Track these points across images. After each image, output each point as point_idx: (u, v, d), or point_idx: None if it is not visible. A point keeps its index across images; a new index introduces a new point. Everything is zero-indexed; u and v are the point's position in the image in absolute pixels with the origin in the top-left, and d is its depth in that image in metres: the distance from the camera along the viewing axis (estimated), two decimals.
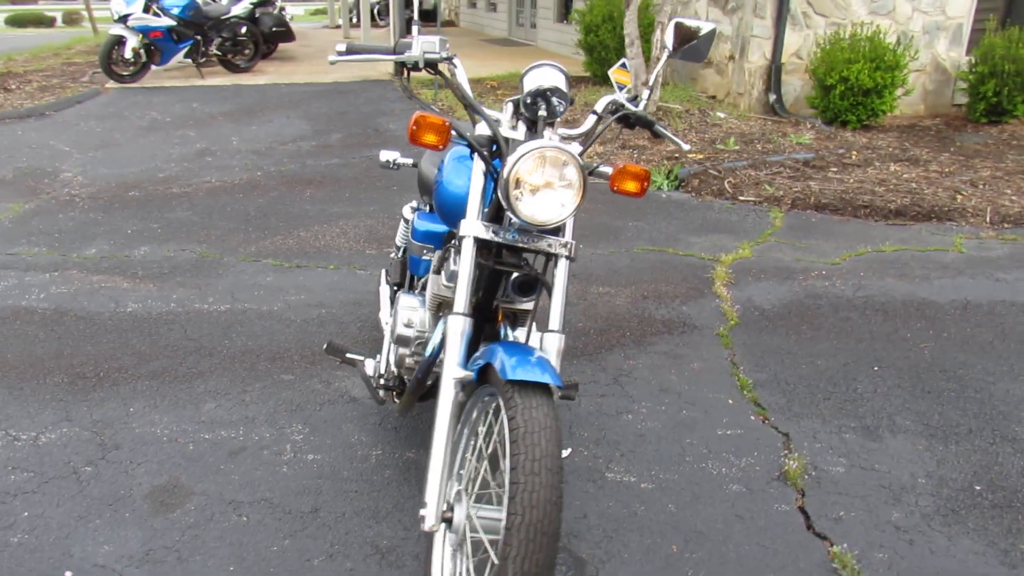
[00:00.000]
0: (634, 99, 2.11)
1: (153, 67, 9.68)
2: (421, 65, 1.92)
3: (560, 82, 1.85)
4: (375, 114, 7.96)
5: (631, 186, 1.92)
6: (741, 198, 5.43)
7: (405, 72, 1.99)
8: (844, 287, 3.91)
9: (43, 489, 2.28)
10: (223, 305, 3.56)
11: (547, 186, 1.71)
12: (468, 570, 1.70)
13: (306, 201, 5.23)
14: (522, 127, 1.85)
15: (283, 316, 3.46)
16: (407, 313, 2.24)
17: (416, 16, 7.72)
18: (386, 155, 2.87)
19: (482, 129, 1.87)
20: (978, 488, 2.39)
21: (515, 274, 1.92)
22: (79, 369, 2.96)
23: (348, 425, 2.64)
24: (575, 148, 1.82)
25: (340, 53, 1.96)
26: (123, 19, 9.13)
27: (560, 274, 1.83)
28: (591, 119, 2.02)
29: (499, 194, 1.72)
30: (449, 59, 1.93)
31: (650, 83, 2.18)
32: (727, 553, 2.10)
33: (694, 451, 2.55)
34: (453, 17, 21.15)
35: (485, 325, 2.05)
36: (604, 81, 8.82)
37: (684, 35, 2.13)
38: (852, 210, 5.15)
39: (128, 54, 9.25)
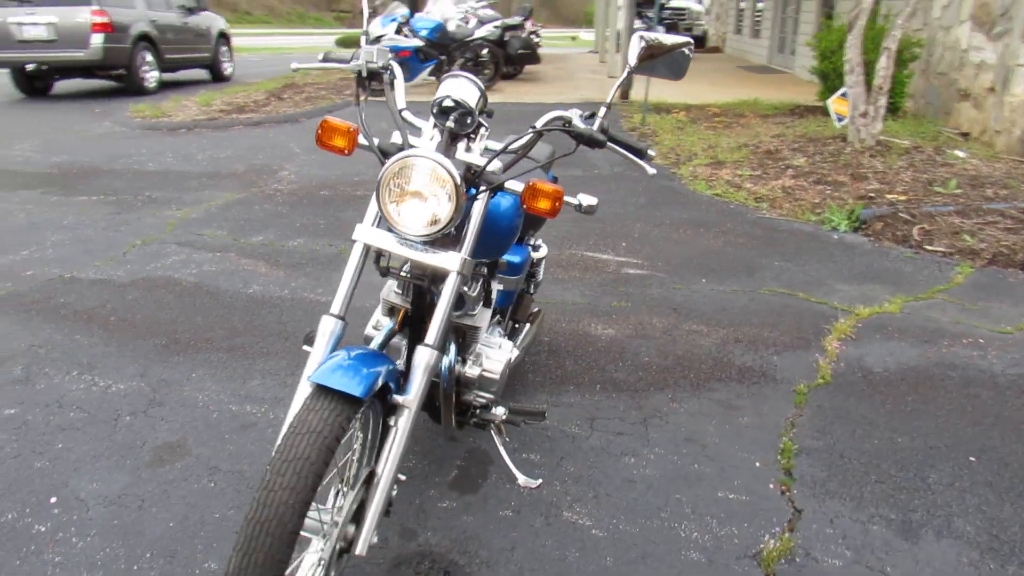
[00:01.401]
0: (590, 116, 1.98)
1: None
2: (364, 74, 1.97)
3: (468, 95, 1.80)
4: None
5: (543, 204, 1.81)
6: (928, 247, 4.73)
7: (360, 81, 2.05)
8: (996, 361, 3.28)
9: (84, 428, 2.65)
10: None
11: (416, 196, 1.68)
12: None
13: None
14: (437, 138, 1.83)
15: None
16: (376, 315, 2.29)
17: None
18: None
19: (398, 138, 1.88)
20: None
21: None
22: (178, 335, 3.38)
23: None
24: (462, 162, 1.77)
25: (300, 63, 2.08)
26: (377, 39, 10.16)
27: (446, 290, 1.78)
28: (528, 135, 1.94)
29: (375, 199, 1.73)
30: (388, 69, 1.96)
31: (608, 101, 2.01)
32: None
33: (676, 509, 2.31)
34: (720, 43, 20.70)
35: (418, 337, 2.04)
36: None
37: (649, 50, 1.95)
38: None
39: None
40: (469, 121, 1.80)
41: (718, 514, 2.29)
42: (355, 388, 1.49)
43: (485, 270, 2.21)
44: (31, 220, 5.09)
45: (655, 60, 1.99)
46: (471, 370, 2.16)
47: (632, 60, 1.96)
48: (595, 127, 1.96)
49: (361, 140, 1.87)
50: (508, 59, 12.07)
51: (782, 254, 4.62)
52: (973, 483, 2.45)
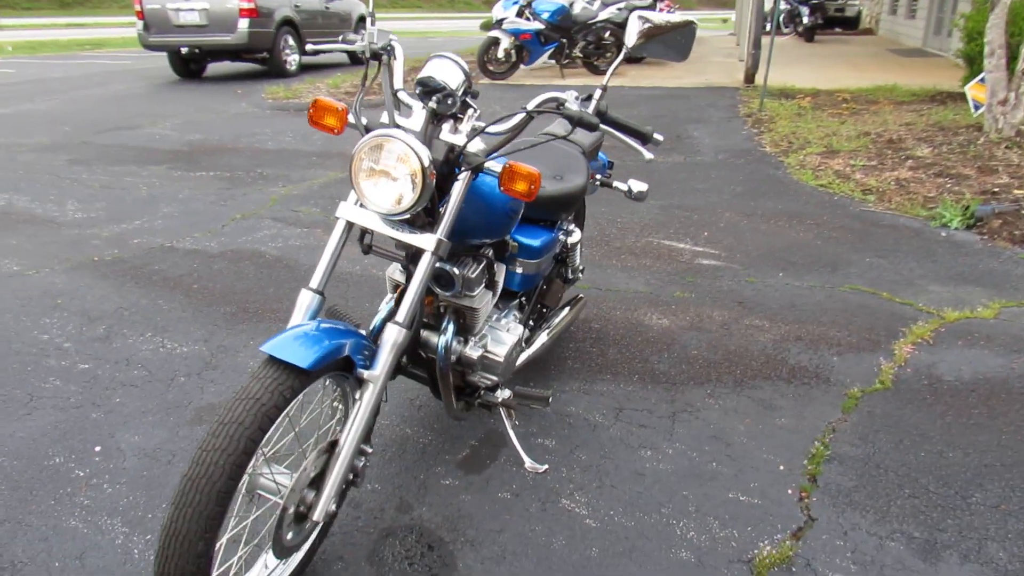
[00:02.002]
0: (587, 99, 1.95)
1: (522, 66, 10.70)
2: (368, 55, 2.02)
3: (449, 77, 1.81)
4: (686, 120, 7.84)
5: (519, 187, 1.80)
6: None
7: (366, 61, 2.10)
8: None
9: (143, 386, 2.89)
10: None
11: (383, 174, 1.71)
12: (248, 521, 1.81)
13: None
14: (422, 118, 1.85)
15: None
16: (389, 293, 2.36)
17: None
18: None
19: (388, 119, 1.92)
20: None
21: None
22: (248, 304, 3.61)
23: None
24: (445, 142, 1.79)
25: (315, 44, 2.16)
26: (499, 23, 10.26)
27: (419, 269, 1.81)
28: (519, 115, 1.93)
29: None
30: (388, 50, 2.00)
31: (604, 84, 1.96)
32: None
33: (679, 506, 2.24)
34: (873, 24, 19.43)
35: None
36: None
37: (648, 30, 1.89)
38: None
39: (500, 54, 10.38)
40: (451, 102, 1.81)
41: (722, 515, 2.21)
42: (301, 359, 1.55)
43: (491, 252, 2.22)
44: (151, 193, 5.54)
45: (656, 40, 1.93)
46: (472, 351, 2.19)
47: (630, 40, 1.91)
48: (591, 109, 1.92)
49: (351, 119, 1.92)
50: None
51: (876, 250, 4.32)
52: (1022, 507, 2.23)
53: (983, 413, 2.71)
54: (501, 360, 2.24)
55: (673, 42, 1.97)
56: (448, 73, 1.82)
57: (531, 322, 2.73)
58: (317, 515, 1.69)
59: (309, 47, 2.22)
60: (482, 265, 2.14)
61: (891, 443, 2.54)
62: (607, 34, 10.69)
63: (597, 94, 1.96)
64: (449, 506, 2.24)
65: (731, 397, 2.83)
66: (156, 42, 12.31)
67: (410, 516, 2.19)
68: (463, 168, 1.83)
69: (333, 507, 1.73)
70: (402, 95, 1.98)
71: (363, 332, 1.79)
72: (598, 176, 3.07)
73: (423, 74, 1.82)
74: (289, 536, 1.72)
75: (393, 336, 1.77)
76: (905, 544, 2.09)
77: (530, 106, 1.93)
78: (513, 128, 1.92)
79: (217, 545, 1.47)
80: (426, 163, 1.69)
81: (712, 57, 14.21)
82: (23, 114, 8.93)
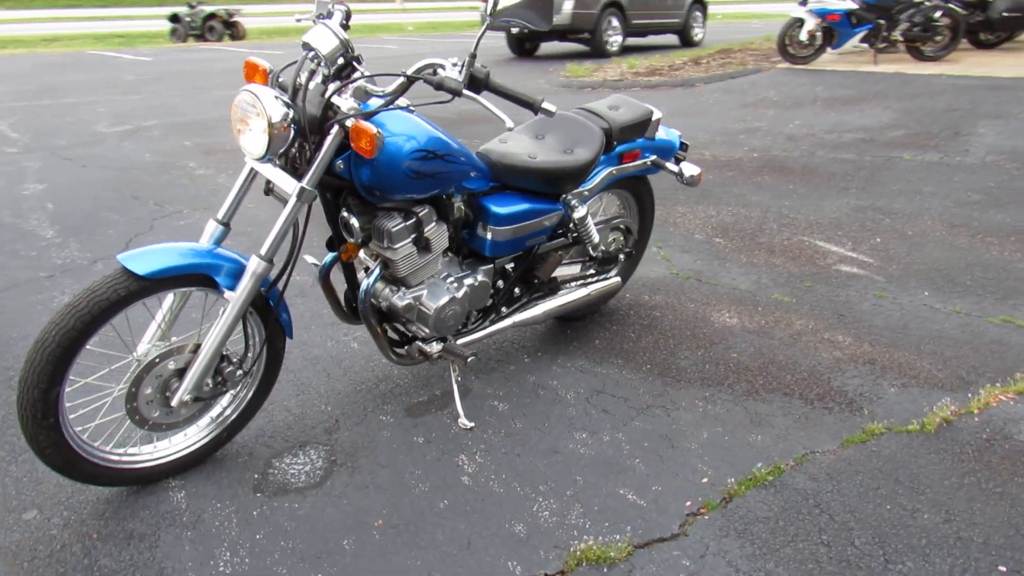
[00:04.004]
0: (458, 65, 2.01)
1: (828, 50, 9.87)
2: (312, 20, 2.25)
3: (323, 43, 1.99)
4: (982, 115, 6.69)
5: (362, 143, 1.96)
6: None
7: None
8: None
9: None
10: None
11: (243, 123, 1.98)
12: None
13: (750, 189, 5.18)
14: (317, 79, 2.07)
15: None
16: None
17: None
18: None
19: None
20: None
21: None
22: None
23: None
24: (323, 100, 1.99)
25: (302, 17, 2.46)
26: (804, 1, 9.56)
27: (285, 212, 2.05)
28: (399, 80, 2.06)
29: None
30: (326, 14, 2.19)
31: (472, 51, 1.99)
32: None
33: (560, 488, 2.21)
34: None
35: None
36: None
37: None
38: None
39: (803, 36, 9.68)
40: (321, 65, 2.01)
41: (593, 507, 2.14)
42: (137, 267, 1.91)
43: (424, 211, 2.34)
44: None
45: (518, 6, 1.93)
46: (400, 299, 2.38)
47: (489, 7, 1.93)
48: (461, 76, 2.00)
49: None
50: (988, 24, 10.18)
51: None
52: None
53: (1019, 484, 2.17)
54: (430, 312, 2.39)
55: (535, 6, 1.93)
56: (322, 40, 2.01)
57: (518, 290, 2.79)
58: (175, 401, 2.07)
59: (296, 17, 2.51)
60: (408, 221, 2.30)
61: (863, 488, 2.18)
62: (939, 14, 9.34)
63: (465, 61, 2.00)
64: (366, 437, 2.47)
65: (725, 404, 2.62)
66: (493, 24, 13.57)
67: (331, 436, 2.47)
68: (331, 124, 2.02)
69: (188, 397, 2.08)
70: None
71: (243, 261, 2.09)
72: (648, 157, 2.99)
73: (303, 38, 2.04)
74: (155, 414, 2.11)
75: (253, 266, 2.05)
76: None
77: (409, 71, 2.06)
78: (393, 92, 2.06)
79: (56, 394, 1.89)
80: (275, 117, 1.92)
81: None
82: None
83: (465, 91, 1.99)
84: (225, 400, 2.33)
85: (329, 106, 2.05)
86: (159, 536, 2.03)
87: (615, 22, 13.58)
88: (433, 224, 2.38)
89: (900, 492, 2.15)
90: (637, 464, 2.32)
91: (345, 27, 2.17)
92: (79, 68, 12.73)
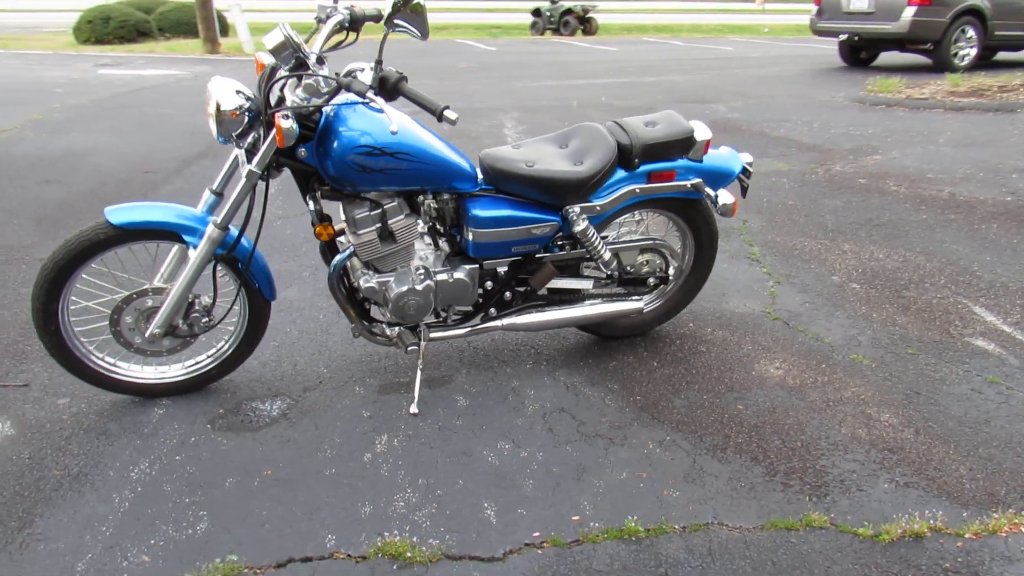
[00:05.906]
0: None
1: None
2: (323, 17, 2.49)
3: (271, 42, 2.23)
4: None
5: (277, 135, 2.18)
6: None
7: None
8: None
9: None
10: None
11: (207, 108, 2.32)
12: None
13: (955, 237, 4.41)
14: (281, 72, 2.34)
15: None
16: None
17: None
18: None
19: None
20: None
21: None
22: None
23: None
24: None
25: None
26: None
27: (240, 184, 2.36)
28: (332, 83, 2.24)
29: None
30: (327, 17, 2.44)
31: (377, 57, 2.08)
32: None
33: (432, 485, 2.26)
34: None
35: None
36: None
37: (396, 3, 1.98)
38: None
39: None
40: (277, 64, 2.26)
41: (446, 510, 2.15)
42: (114, 217, 2.36)
43: (395, 203, 2.50)
44: None
45: (406, 12, 2.00)
46: (365, 281, 2.58)
47: (385, 11, 2.03)
48: (368, 80, 2.14)
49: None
50: None
51: None
52: None
53: None
54: (390, 298, 2.56)
55: (414, 15, 1.94)
56: (273, 40, 2.24)
57: (509, 295, 2.80)
58: (148, 332, 2.51)
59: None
60: (373, 211, 2.49)
61: None
62: None
63: (371, 66, 2.10)
64: (330, 401, 2.70)
65: (677, 453, 2.40)
66: (824, 28, 12.67)
67: (304, 394, 2.74)
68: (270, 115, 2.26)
69: (158, 331, 2.50)
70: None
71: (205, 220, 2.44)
72: (688, 179, 2.82)
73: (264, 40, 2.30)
74: (136, 340, 2.56)
75: (208, 231, 2.40)
76: None
77: (342, 73, 2.23)
78: (326, 94, 2.25)
79: (54, 308, 2.42)
80: (224, 105, 2.23)
81: None
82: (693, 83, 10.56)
83: (369, 94, 2.12)
84: (212, 350, 2.72)
85: (281, 100, 2.30)
86: (121, 438, 2.49)
87: (970, 32, 11.82)
88: (401, 217, 2.52)
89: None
90: (527, 484, 2.26)
91: (352, 29, 2.41)
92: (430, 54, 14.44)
